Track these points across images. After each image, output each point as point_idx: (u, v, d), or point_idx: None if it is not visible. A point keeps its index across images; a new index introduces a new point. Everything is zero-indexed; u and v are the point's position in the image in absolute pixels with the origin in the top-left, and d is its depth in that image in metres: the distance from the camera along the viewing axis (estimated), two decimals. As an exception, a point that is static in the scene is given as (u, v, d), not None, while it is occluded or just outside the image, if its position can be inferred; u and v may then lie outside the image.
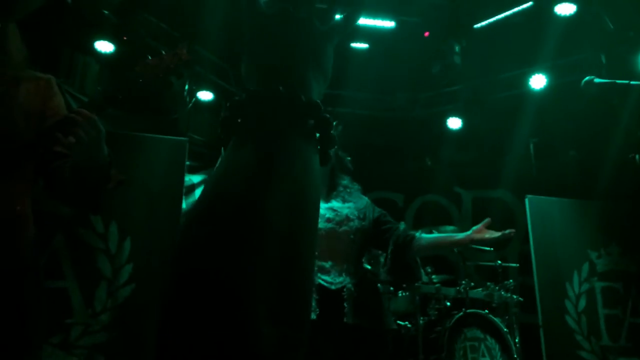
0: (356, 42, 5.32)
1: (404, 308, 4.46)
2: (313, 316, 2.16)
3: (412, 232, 2.53)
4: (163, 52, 1.70)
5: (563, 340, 4.58)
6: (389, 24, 5.19)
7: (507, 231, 2.34)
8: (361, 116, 6.27)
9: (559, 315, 4.60)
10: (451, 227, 4.56)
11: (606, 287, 4.81)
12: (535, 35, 5.08)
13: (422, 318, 4.16)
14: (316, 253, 2.31)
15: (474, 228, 2.41)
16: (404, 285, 4.41)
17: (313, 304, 2.19)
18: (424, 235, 2.51)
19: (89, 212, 3.26)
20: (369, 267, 4.50)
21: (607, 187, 5.25)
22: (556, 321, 4.57)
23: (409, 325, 4.19)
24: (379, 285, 4.36)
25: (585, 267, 4.81)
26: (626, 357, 4.69)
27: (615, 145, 4.91)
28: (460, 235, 2.44)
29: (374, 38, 5.35)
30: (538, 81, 5.59)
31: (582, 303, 4.69)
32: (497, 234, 2.35)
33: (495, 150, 6.21)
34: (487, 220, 2.40)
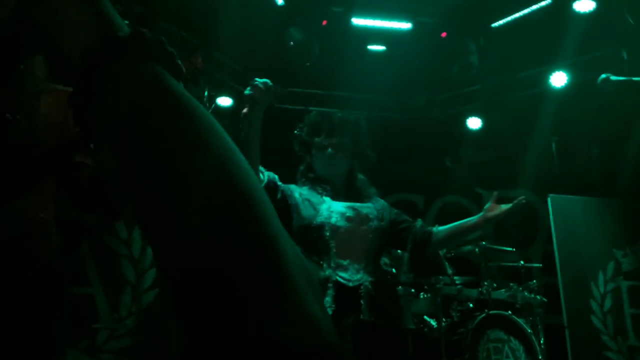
0: (373, 44, 5.32)
1: (426, 309, 4.45)
2: (329, 312, 2.18)
3: (429, 228, 2.54)
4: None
5: (589, 341, 4.51)
6: (406, 25, 5.19)
7: (520, 198, 2.33)
8: (379, 118, 6.27)
9: (585, 315, 4.54)
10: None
11: (633, 286, 4.73)
12: (555, 32, 5.03)
13: (444, 319, 4.16)
14: (334, 250, 2.33)
15: (486, 207, 2.40)
16: (426, 287, 4.41)
17: (329, 300, 2.21)
18: (441, 228, 2.52)
19: (111, 220, 3.33)
20: (393, 270, 4.52)
21: (630, 185, 5.16)
22: (581, 321, 4.51)
23: (433, 323, 4.18)
24: (399, 287, 4.38)
25: (611, 266, 4.74)
26: (654, 358, 4.60)
27: (637, 143, 4.83)
28: (475, 218, 2.44)
29: (390, 40, 5.35)
30: (559, 79, 5.53)
31: (608, 303, 4.62)
32: (509, 205, 2.34)
33: (515, 150, 6.15)
34: (495, 194, 2.38)
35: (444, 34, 5.26)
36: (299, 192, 2.48)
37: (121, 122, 0.52)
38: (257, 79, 2.23)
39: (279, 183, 2.45)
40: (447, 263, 4.47)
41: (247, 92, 2.22)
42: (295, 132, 2.66)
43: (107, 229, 3.43)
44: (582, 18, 4.76)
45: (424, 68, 5.85)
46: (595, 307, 4.59)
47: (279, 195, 2.41)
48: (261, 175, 2.37)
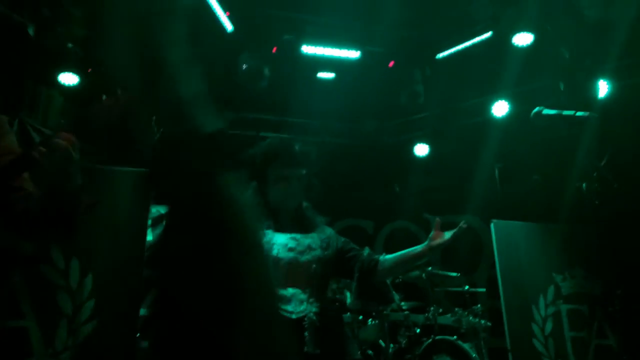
0: (322, 71, 5.39)
1: (374, 336, 4.47)
2: None
3: (376, 257, 2.54)
4: (119, 92, 1.72)
5: (531, 364, 4.61)
6: (354, 54, 5.29)
7: (461, 223, 2.37)
8: (330, 144, 6.33)
9: (527, 338, 4.63)
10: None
11: (572, 310, 4.88)
12: (496, 64, 5.23)
13: (391, 345, 4.18)
14: (276, 282, 2.31)
15: (430, 235, 2.43)
16: (373, 314, 4.42)
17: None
18: (388, 257, 2.52)
19: (57, 242, 3.20)
20: (339, 296, 4.52)
21: (569, 210, 5.36)
22: (524, 345, 4.59)
23: (383, 345, 4.20)
24: (347, 314, 4.38)
25: (551, 290, 4.88)
26: (593, 379, 4.74)
27: (575, 169, 5.04)
28: (420, 247, 2.46)
29: (340, 68, 5.44)
30: (500, 108, 5.73)
31: (549, 326, 4.74)
32: (452, 232, 2.38)
33: (462, 176, 6.31)
34: (437, 220, 2.42)
35: (391, 63, 5.39)
36: None
37: None
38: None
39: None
40: (394, 291, 4.51)
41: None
42: (250, 157, 2.60)
43: (43, 258, 3.29)
44: (521, 51, 4.98)
45: (372, 95, 5.96)
46: (537, 330, 4.70)
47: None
48: None
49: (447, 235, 2.39)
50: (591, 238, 5.04)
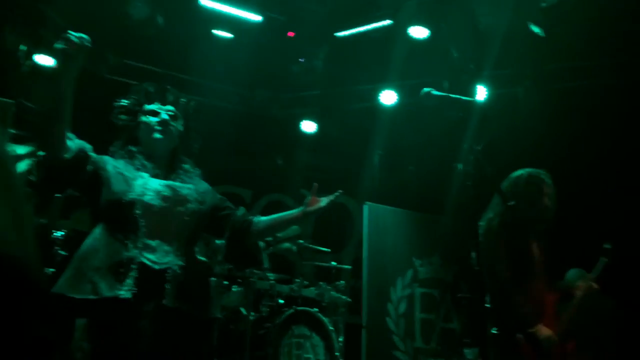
0: (220, 29, 5.17)
1: (236, 303, 4.44)
2: (129, 295, 2.03)
3: (250, 217, 2.48)
4: None
5: (382, 341, 4.88)
6: (256, 17, 5.14)
7: (337, 192, 2.40)
8: (218, 107, 6.15)
9: (381, 317, 4.89)
10: (295, 227, 4.63)
11: (425, 293, 5.22)
12: (391, 52, 5.37)
13: (252, 314, 4.18)
14: (144, 230, 2.17)
15: (306, 200, 2.43)
16: (239, 280, 4.40)
17: (130, 282, 2.06)
18: (262, 218, 2.48)
19: None
20: (204, 259, 4.42)
21: (434, 202, 5.72)
22: (378, 323, 4.85)
23: (244, 312, 4.19)
24: (212, 278, 4.31)
25: (409, 273, 5.18)
26: (435, 359, 5.12)
27: (444, 166, 5.35)
28: (295, 211, 2.45)
29: (239, 29, 5.26)
30: (389, 97, 5.90)
31: (403, 307, 5.03)
32: (328, 199, 2.40)
33: (345, 158, 6.46)
34: (315, 185, 2.43)
35: (291, 34, 5.32)
36: (113, 164, 2.27)
37: None
38: (71, 32, 2.00)
39: (91, 153, 2.23)
40: (265, 255, 4.51)
41: (58, 45, 1.98)
42: (122, 102, 2.42)
43: None
44: (416, 43, 5.15)
45: (267, 64, 5.86)
46: (392, 310, 4.98)
47: (89, 167, 2.19)
48: (70, 143, 2.13)
49: (323, 201, 2.40)
50: (448, 229, 5.42)
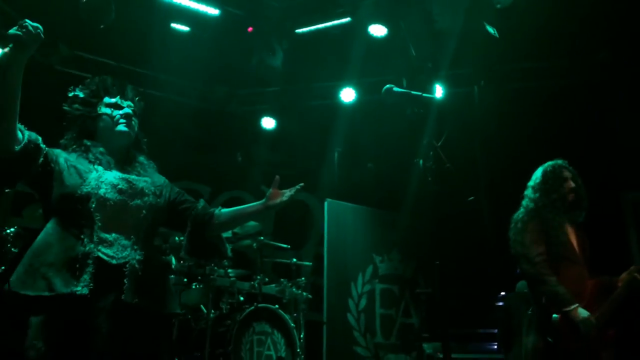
0: (177, 22, 5.07)
1: (196, 300, 4.38)
2: (85, 291, 1.96)
3: (211, 209, 2.44)
4: None
5: (342, 336, 4.90)
6: (213, 11, 5.07)
7: (298, 186, 2.38)
8: (176, 102, 6.05)
9: (342, 313, 4.91)
10: (253, 223, 4.60)
11: (385, 289, 5.28)
12: (350, 50, 5.40)
13: (212, 312, 4.12)
14: (99, 224, 2.11)
15: (268, 193, 2.40)
16: (199, 277, 4.33)
17: (87, 277, 1.99)
18: (223, 210, 2.44)
19: None
20: (164, 257, 4.33)
21: (393, 199, 5.79)
22: (338, 318, 4.87)
23: (204, 310, 4.12)
24: (172, 276, 4.22)
25: (370, 269, 5.22)
26: (395, 354, 5.19)
27: (403, 165, 5.43)
28: (257, 204, 2.42)
29: (196, 22, 5.17)
30: (348, 95, 5.94)
31: (363, 302, 5.07)
32: (289, 192, 2.38)
33: (304, 154, 6.46)
34: (277, 178, 2.41)
35: (250, 29, 5.27)
36: (64, 157, 2.19)
37: None
38: (27, 20, 1.92)
39: (42, 145, 2.14)
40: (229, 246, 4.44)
41: (12, 31, 1.90)
42: (76, 92, 2.35)
43: None
44: (374, 42, 5.20)
45: (226, 60, 5.79)
46: (352, 305, 5.00)
47: (40, 159, 2.10)
48: (20, 134, 2.04)
49: (285, 195, 2.38)
50: (406, 226, 5.51)
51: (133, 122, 2.33)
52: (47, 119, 2.49)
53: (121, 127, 2.29)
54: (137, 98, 2.41)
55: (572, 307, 2.95)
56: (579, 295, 3.04)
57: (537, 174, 3.39)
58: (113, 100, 2.32)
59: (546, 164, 3.40)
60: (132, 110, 2.34)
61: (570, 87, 5.62)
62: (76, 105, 2.33)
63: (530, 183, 3.35)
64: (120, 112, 2.31)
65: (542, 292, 3.03)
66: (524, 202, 3.31)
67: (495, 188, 5.60)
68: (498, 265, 5.05)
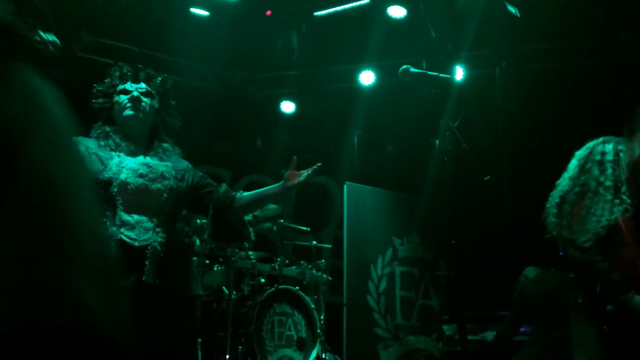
0: (196, 7, 5.10)
1: (218, 282, 4.46)
2: None
3: (232, 193, 2.48)
4: None
5: (362, 318, 4.95)
6: (233, -5, 5.08)
7: (315, 166, 2.41)
8: (196, 88, 6.09)
9: (362, 295, 4.95)
10: (274, 207, 4.64)
11: (404, 272, 5.30)
12: (369, 32, 5.37)
13: (234, 293, 4.19)
14: (121, 207, 2.17)
15: (286, 175, 2.43)
16: (220, 259, 4.40)
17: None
18: (244, 194, 2.48)
19: None
20: (188, 240, 4.40)
21: (413, 182, 5.78)
22: (358, 300, 4.91)
23: (225, 291, 4.19)
24: (194, 258, 4.30)
25: (389, 252, 5.24)
26: (415, 335, 5.22)
27: (423, 147, 5.39)
28: (276, 186, 2.46)
29: (215, 7, 5.19)
30: (367, 77, 5.90)
31: (383, 285, 5.10)
32: (306, 172, 2.41)
33: (324, 138, 6.46)
34: (295, 159, 2.43)
35: (269, 12, 5.27)
36: (85, 145, 2.25)
37: None
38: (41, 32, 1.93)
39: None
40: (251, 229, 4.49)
41: (51, 37, 1.93)
42: (98, 87, 2.42)
43: None
44: (394, 23, 5.15)
45: (245, 44, 5.81)
46: (372, 288, 5.04)
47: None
48: None
49: (303, 175, 2.41)
50: (426, 209, 5.50)
51: (143, 104, 2.36)
52: (71, 107, 2.55)
53: (127, 112, 2.34)
54: (157, 79, 2.45)
55: (629, 295, 2.87)
56: (632, 279, 2.95)
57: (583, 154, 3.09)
58: (123, 86, 2.37)
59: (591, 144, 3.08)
60: (142, 91, 2.36)
61: (595, 68, 5.51)
62: (97, 100, 2.40)
63: (577, 156, 3.00)
64: (127, 96, 2.34)
65: (595, 282, 2.91)
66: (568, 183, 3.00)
67: (517, 170, 5.56)
68: (518, 248, 5.03)
